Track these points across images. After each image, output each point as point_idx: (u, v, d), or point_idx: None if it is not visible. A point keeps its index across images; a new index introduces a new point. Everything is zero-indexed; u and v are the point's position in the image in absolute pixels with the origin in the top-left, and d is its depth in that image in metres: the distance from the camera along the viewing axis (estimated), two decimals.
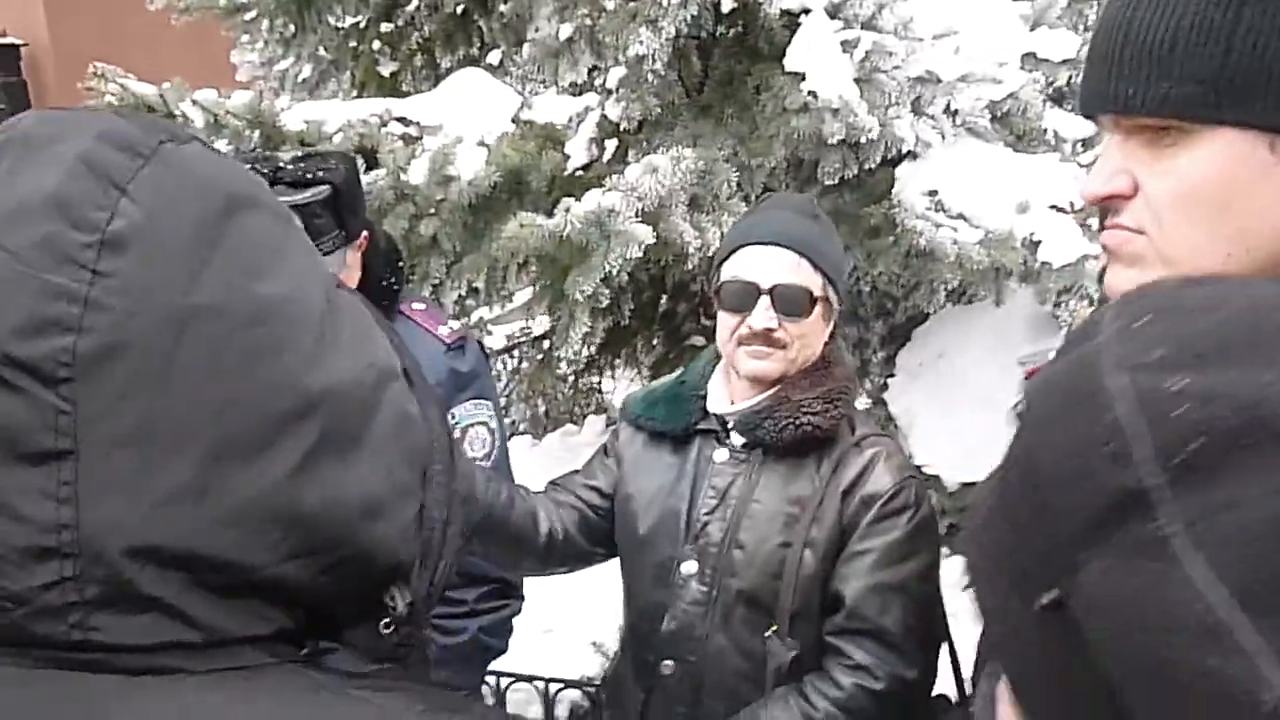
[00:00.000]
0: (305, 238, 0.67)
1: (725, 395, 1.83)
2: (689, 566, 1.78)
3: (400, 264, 2.17)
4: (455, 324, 2.11)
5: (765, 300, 1.69)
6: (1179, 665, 0.37)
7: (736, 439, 1.78)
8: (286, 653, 0.60)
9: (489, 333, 6.11)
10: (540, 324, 5.24)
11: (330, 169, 1.88)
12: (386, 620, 0.64)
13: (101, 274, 0.53)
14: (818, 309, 1.72)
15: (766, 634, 1.72)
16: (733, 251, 1.79)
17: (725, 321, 1.76)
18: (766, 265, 1.71)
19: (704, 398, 1.85)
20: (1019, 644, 0.47)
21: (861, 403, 4.01)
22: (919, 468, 3.74)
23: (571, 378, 4.60)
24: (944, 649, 1.82)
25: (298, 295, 0.60)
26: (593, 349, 3.94)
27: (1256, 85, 0.85)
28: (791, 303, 1.69)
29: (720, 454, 1.80)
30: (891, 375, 3.91)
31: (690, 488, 1.82)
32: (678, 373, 2.01)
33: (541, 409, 5.05)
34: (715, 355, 1.88)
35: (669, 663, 1.81)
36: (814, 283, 1.71)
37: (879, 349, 4.06)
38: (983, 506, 0.52)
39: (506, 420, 5.73)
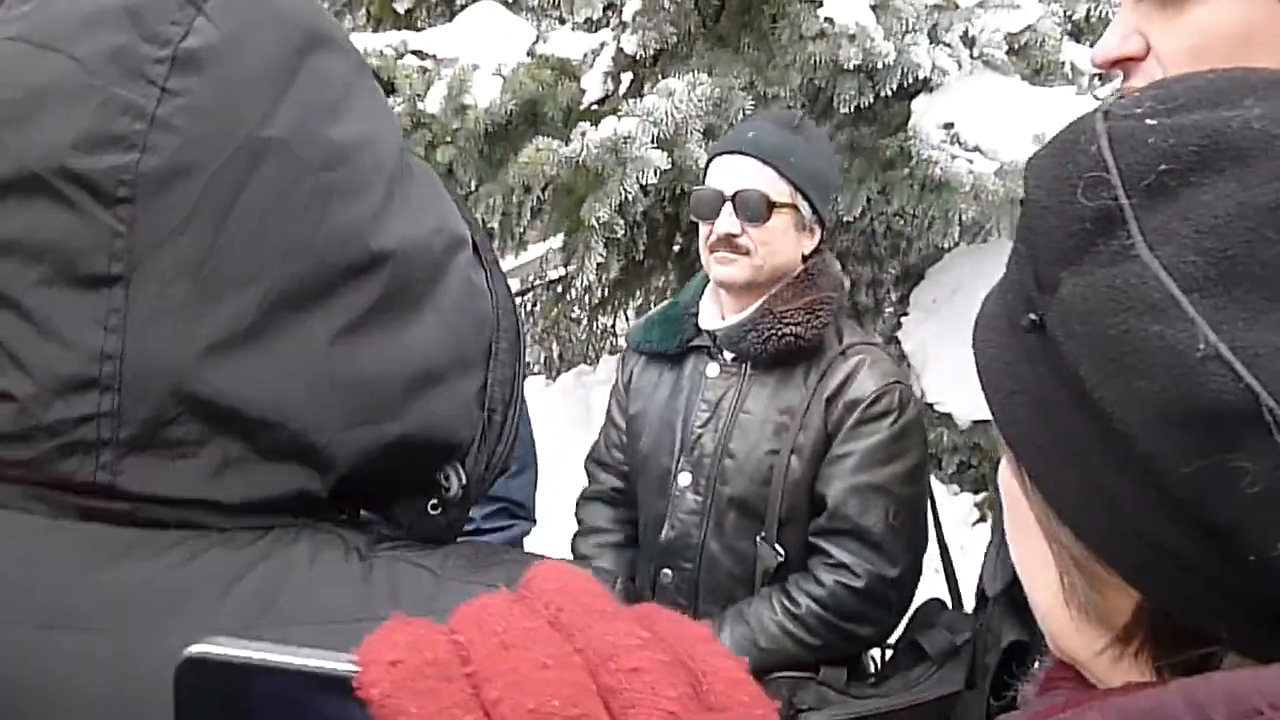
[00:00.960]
0: (380, 90, 0.62)
1: (716, 312, 1.86)
2: (684, 477, 1.84)
3: None
4: None
5: (729, 206, 1.73)
6: (1130, 334, 0.43)
7: (727, 353, 1.82)
8: (323, 514, 0.57)
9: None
10: (555, 271, 5.27)
11: None
12: (434, 502, 0.60)
13: (171, 91, 0.50)
14: (784, 216, 1.74)
15: (757, 539, 1.77)
16: (709, 164, 1.84)
17: (701, 231, 1.80)
18: (731, 172, 1.75)
19: (696, 316, 1.89)
20: (1008, 377, 0.51)
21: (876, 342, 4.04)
22: (930, 405, 3.78)
23: (585, 319, 4.63)
24: (939, 560, 1.86)
25: (372, 145, 0.57)
26: (607, 286, 3.96)
27: None
28: (751, 208, 1.72)
29: (712, 368, 1.85)
30: (905, 313, 3.93)
31: (685, 402, 1.87)
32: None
33: (556, 351, 5.08)
34: (708, 276, 1.91)
35: (667, 571, 1.87)
36: (777, 189, 1.73)
37: (894, 288, 4.07)
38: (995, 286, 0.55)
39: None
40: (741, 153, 1.76)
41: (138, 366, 0.50)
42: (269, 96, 0.52)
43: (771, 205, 1.72)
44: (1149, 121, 0.46)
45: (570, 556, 2.05)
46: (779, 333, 1.74)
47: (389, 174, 0.57)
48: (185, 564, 0.52)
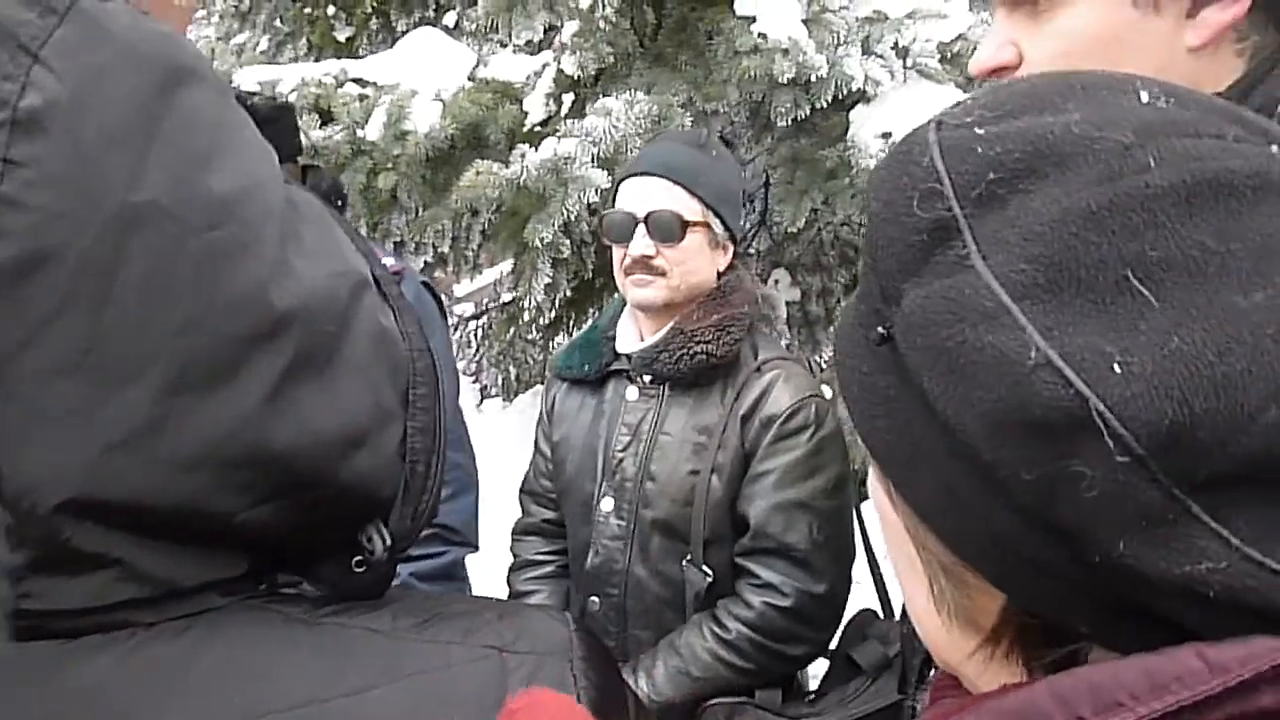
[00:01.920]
0: (249, 119, 0.55)
1: (635, 334, 1.86)
2: (607, 502, 1.83)
3: (342, 205, 2.17)
4: (392, 260, 2.10)
5: (642, 228, 1.73)
6: (966, 345, 0.43)
7: (645, 376, 1.82)
8: (245, 590, 0.53)
9: (458, 301, 6.12)
10: (509, 294, 5.26)
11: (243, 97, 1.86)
12: (359, 559, 0.56)
13: (15, 162, 0.43)
14: (697, 235, 1.74)
15: (683, 562, 1.76)
16: (618, 186, 1.84)
17: (615, 255, 1.79)
18: (642, 194, 1.75)
19: (614, 340, 1.88)
20: (864, 390, 0.52)
21: (827, 351, 4.07)
22: None
23: (540, 341, 4.63)
24: (868, 566, 1.86)
25: (256, 190, 0.50)
26: (560, 307, 3.96)
27: None
28: (664, 228, 1.72)
29: (631, 392, 1.84)
30: None
31: (606, 427, 1.86)
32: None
33: (513, 374, 5.08)
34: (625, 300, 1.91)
35: (595, 598, 1.85)
36: (689, 208, 1.73)
37: (843, 297, 4.11)
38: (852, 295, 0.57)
39: (477, 385, 5.79)
40: (651, 174, 1.76)
41: (21, 483, 0.45)
42: (133, 153, 0.46)
43: (685, 224, 1.72)
44: (977, 130, 0.47)
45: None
46: (690, 352, 1.73)
47: (279, 219, 0.51)
48: (121, 670, 0.47)
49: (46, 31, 0.45)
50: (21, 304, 0.44)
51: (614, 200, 1.84)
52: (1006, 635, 0.50)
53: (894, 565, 0.58)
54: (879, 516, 0.57)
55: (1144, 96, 0.47)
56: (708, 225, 1.76)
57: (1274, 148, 0.45)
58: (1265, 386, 0.40)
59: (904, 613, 1.39)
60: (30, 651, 0.47)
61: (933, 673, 0.65)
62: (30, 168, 0.43)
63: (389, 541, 0.56)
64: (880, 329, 0.49)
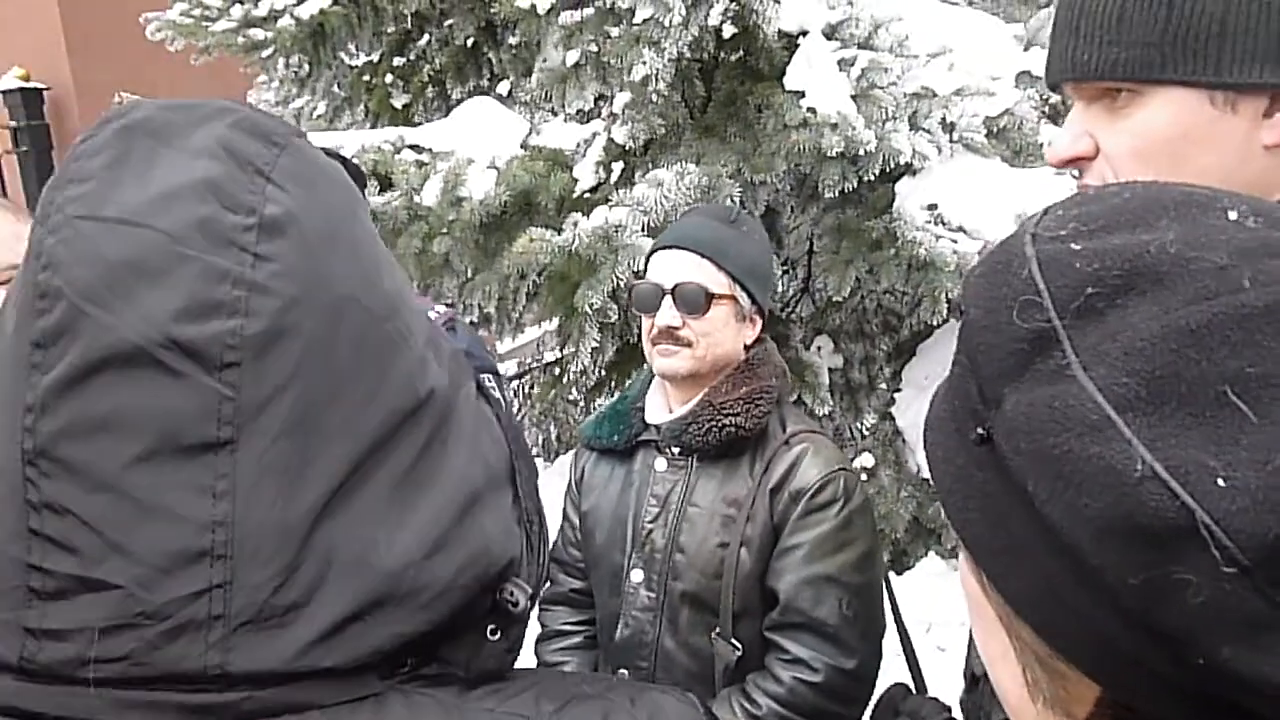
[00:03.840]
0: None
1: (663, 405, 1.88)
2: (636, 574, 1.83)
3: None
4: (441, 307, 2.16)
5: (669, 300, 1.76)
6: (1072, 454, 0.45)
7: (674, 447, 1.83)
8: (388, 674, 0.57)
9: (501, 359, 6.18)
10: (551, 353, 5.32)
11: None
12: (493, 627, 0.60)
13: (263, 257, 0.52)
14: (723, 307, 1.77)
15: (712, 635, 1.75)
16: (649, 259, 1.88)
17: (644, 325, 1.83)
18: (670, 266, 1.79)
19: (643, 411, 1.90)
20: (961, 484, 0.54)
21: (869, 418, 4.07)
22: (926, 480, 3.79)
23: (582, 401, 4.66)
24: (899, 640, 1.84)
25: (405, 292, 0.60)
26: (602, 369, 4.00)
27: (1196, 46, 0.92)
28: (691, 300, 1.75)
29: (660, 463, 1.86)
30: (899, 390, 3.97)
31: (635, 497, 1.87)
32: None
33: (554, 433, 5.11)
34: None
35: (624, 670, 1.84)
36: (715, 281, 1.76)
37: (885, 365, 4.12)
38: (942, 385, 0.59)
39: None
40: (680, 247, 1.80)
41: (248, 531, 0.50)
42: (340, 255, 0.55)
43: (710, 297, 1.75)
44: (1073, 246, 0.49)
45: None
46: (719, 424, 1.75)
47: (418, 318, 0.61)
48: None
49: (275, 159, 0.55)
50: (265, 371, 0.51)
51: (644, 271, 1.88)
52: None
53: (983, 651, 0.59)
54: (969, 602, 0.59)
55: (1233, 215, 0.49)
56: (734, 298, 1.79)
57: None
58: None
59: (969, 685, 1.38)
60: None
61: None
62: (275, 262, 0.52)
63: (529, 592, 0.61)
64: (980, 430, 0.51)
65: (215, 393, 0.50)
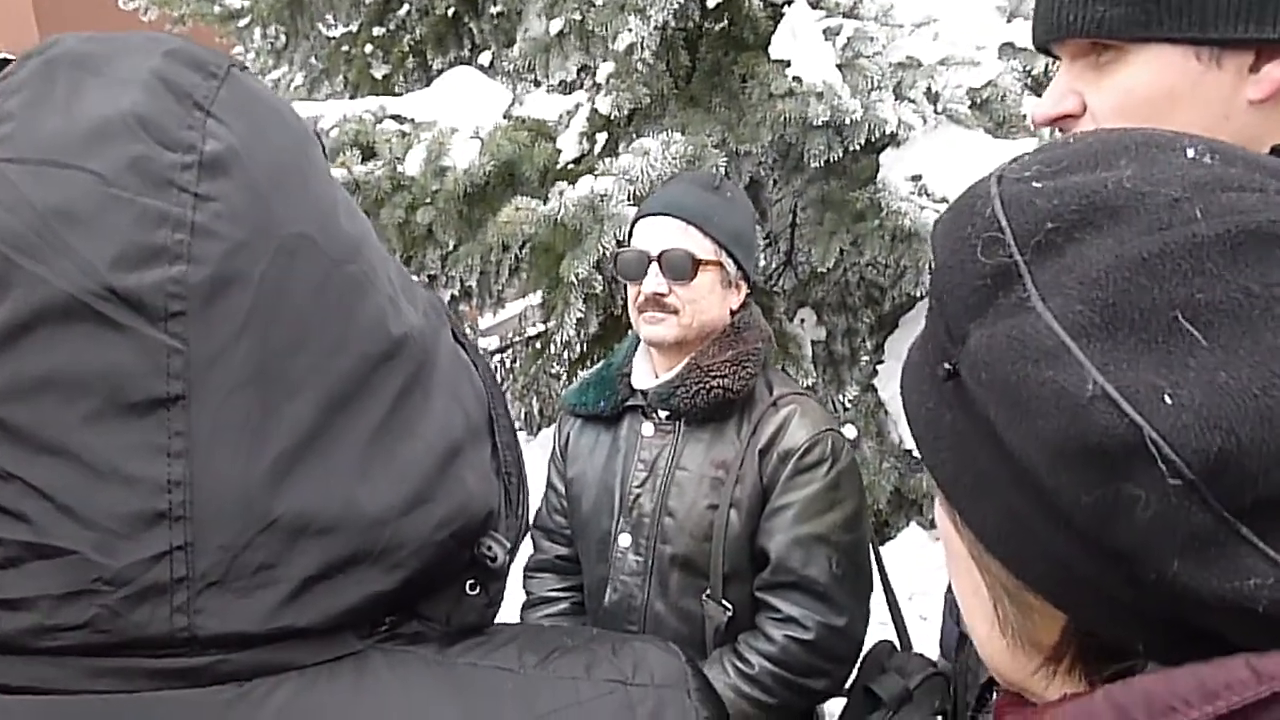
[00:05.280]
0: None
1: (649, 371, 1.88)
2: (625, 539, 1.83)
3: None
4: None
5: (655, 266, 1.76)
6: (1028, 380, 0.47)
7: (660, 411, 1.83)
8: (367, 632, 0.54)
9: (482, 334, 6.16)
10: (534, 328, 5.31)
11: None
12: (471, 581, 0.58)
13: (205, 197, 0.48)
14: (709, 273, 1.77)
15: (703, 596, 1.76)
16: (634, 225, 1.86)
17: (630, 292, 1.82)
18: (656, 233, 1.78)
19: (630, 376, 1.90)
20: (932, 423, 0.56)
21: (852, 390, 4.09)
22: (909, 452, 3.83)
23: (565, 375, 4.66)
24: (884, 600, 1.86)
25: (368, 234, 0.57)
26: (586, 342, 4.00)
27: (1180, 3, 0.92)
28: (677, 267, 1.74)
29: (647, 428, 1.86)
30: (881, 362, 3.99)
31: (622, 463, 1.87)
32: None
33: (536, 407, 5.10)
34: (639, 337, 1.93)
35: None
36: (701, 248, 1.76)
37: (868, 337, 4.14)
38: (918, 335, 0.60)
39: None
40: (665, 214, 1.79)
41: (208, 490, 0.47)
42: (290, 194, 0.51)
43: (697, 263, 1.75)
44: (1035, 184, 0.51)
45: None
46: (706, 386, 1.75)
47: (384, 260, 0.57)
48: (285, 715, 0.49)
49: (214, 91, 0.51)
50: (214, 321, 0.48)
51: (629, 239, 1.87)
52: (1068, 653, 0.53)
53: (957, 591, 0.61)
54: (944, 544, 0.60)
55: (1191, 154, 0.51)
56: (720, 264, 1.79)
57: None
58: None
59: (959, 644, 1.40)
60: (199, 701, 0.48)
61: (993, 697, 0.68)
62: (217, 201, 0.48)
63: (507, 547, 0.59)
64: (946, 365, 0.53)
65: (161, 345, 0.46)
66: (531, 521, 2.08)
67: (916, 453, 0.59)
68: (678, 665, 0.61)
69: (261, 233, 0.49)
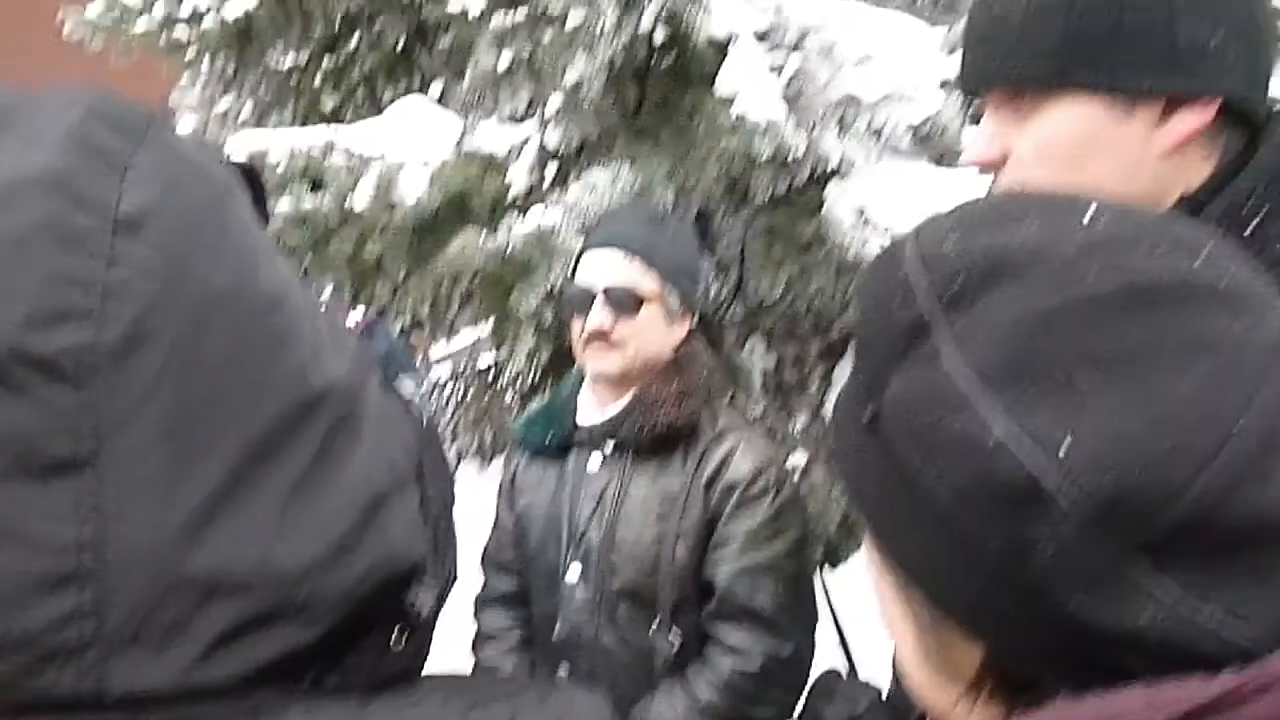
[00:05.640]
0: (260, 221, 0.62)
1: (595, 405, 1.90)
2: (573, 572, 1.85)
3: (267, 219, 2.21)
4: (357, 312, 2.15)
5: (599, 301, 1.78)
6: (938, 428, 0.51)
7: (607, 445, 1.85)
8: (288, 687, 0.54)
9: (434, 363, 6.14)
10: (486, 357, 5.30)
11: None
12: (398, 634, 0.57)
13: (117, 258, 0.48)
14: (652, 307, 1.80)
15: (651, 628, 1.78)
16: (578, 258, 1.89)
17: (574, 326, 1.84)
18: (600, 268, 1.81)
19: (575, 411, 1.92)
20: (857, 463, 0.59)
21: (801, 418, 4.13)
22: None
23: (517, 404, 4.65)
24: (833, 628, 1.89)
25: (290, 286, 0.56)
26: (538, 372, 4.00)
27: (1090, 56, 0.97)
28: (621, 302, 1.77)
29: (594, 461, 1.87)
30: (830, 390, 4.03)
31: (570, 497, 1.89)
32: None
33: (488, 438, 5.09)
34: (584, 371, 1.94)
35: (563, 668, 1.86)
36: (644, 282, 1.79)
37: (816, 365, 4.18)
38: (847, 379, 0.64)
39: (453, 448, 5.81)
40: (610, 245, 1.81)
41: (118, 551, 0.47)
42: (206, 251, 0.51)
43: (640, 299, 1.78)
44: (948, 243, 0.55)
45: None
46: (652, 420, 1.78)
47: (309, 310, 0.57)
48: None
49: (130, 150, 0.51)
50: (125, 382, 0.47)
51: (574, 272, 1.88)
52: (986, 684, 0.56)
53: (885, 621, 0.64)
54: (872, 575, 0.64)
55: (1088, 216, 0.55)
56: (664, 298, 1.81)
57: (1198, 259, 0.52)
58: (1190, 464, 0.46)
59: (896, 681, 1.43)
60: None
61: None
62: (130, 261, 0.48)
63: (433, 598, 0.58)
64: (869, 411, 0.56)
65: (70, 408, 0.46)
66: (481, 556, 2.09)
67: (844, 487, 0.63)
68: (604, 714, 0.61)
69: (175, 291, 0.49)
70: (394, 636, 0.57)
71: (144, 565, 0.47)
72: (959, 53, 1.13)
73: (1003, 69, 1.03)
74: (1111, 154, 1.00)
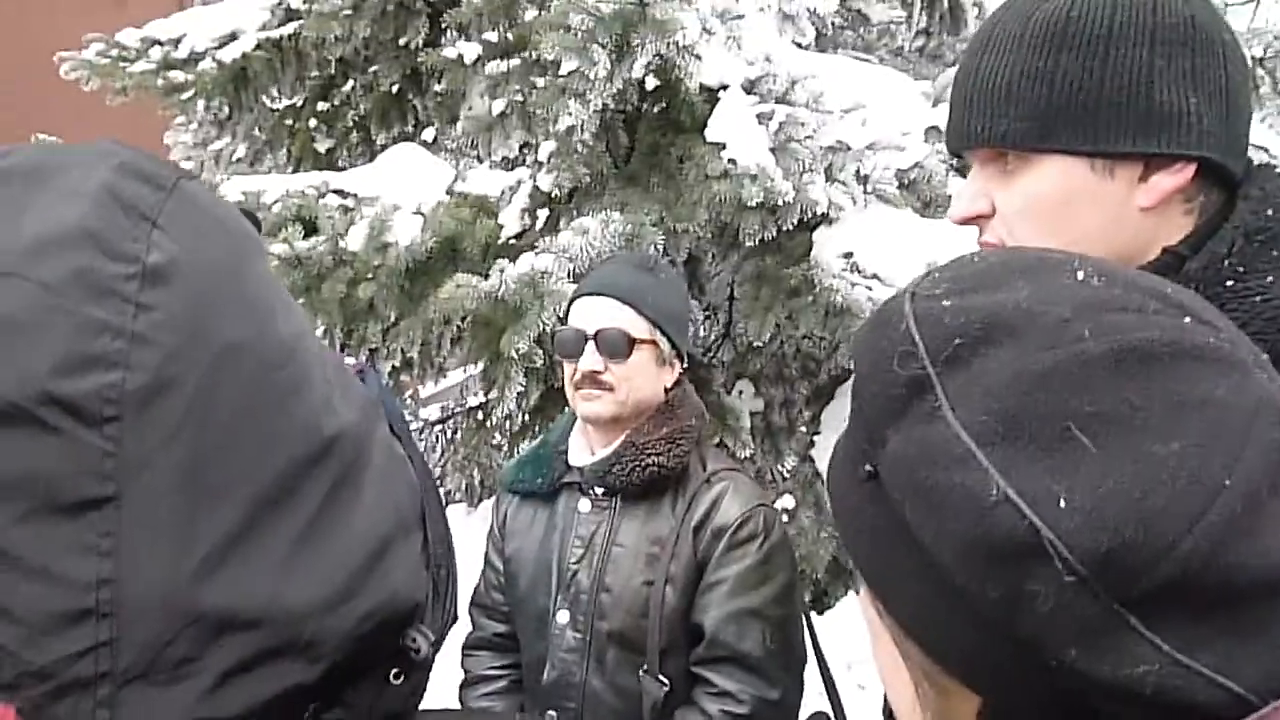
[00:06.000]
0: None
1: (585, 448, 1.93)
2: (562, 616, 1.86)
3: None
4: (350, 360, 2.17)
5: (591, 345, 1.82)
6: (939, 484, 0.52)
7: (597, 488, 1.87)
8: None
9: (424, 404, 6.13)
10: (475, 398, 5.30)
11: None
12: (396, 671, 0.60)
13: (145, 307, 0.50)
14: (644, 352, 1.83)
15: (640, 672, 1.79)
16: (570, 305, 1.93)
17: (566, 370, 1.88)
18: (592, 312, 1.85)
19: (566, 454, 1.94)
20: (854, 518, 0.61)
21: (789, 460, 4.15)
22: None
23: (506, 446, 4.65)
24: (819, 672, 1.90)
25: (304, 336, 0.59)
26: (527, 414, 4.01)
27: (1073, 120, 1.01)
28: (613, 345, 1.81)
29: (584, 504, 1.90)
30: (818, 433, 4.06)
31: (559, 540, 1.91)
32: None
33: (477, 478, 5.07)
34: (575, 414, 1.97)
35: (552, 713, 1.87)
36: (636, 327, 1.82)
37: (805, 408, 4.21)
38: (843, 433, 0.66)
39: (441, 490, 5.79)
40: (601, 294, 1.85)
41: (134, 589, 0.49)
42: (230, 302, 0.54)
43: (632, 342, 1.81)
44: (944, 303, 0.57)
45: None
46: (642, 464, 1.80)
47: (321, 360, 0.60)
48: None
49: (160, 203, 0.54)
50: (147, 425, 0.50)
51: (567, 317, 1.92)
52: None
53: (881, 670, 0.66)
54: (868, 626, 0.65)
55: (1080, 275, 0.57)
56: (655, 343, 1.85)
57: (1187, 319, 0.55)
58: (1181, 521, 0.48)
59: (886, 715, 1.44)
60: None
61: None
62: (156, 311, 0.51)
63: (431, 640, 0.61)
64: (868, 467, 0.58)
65: (96, 449, 0.48)
66: (470, 599, 2.09)
67: (841, 540, 0.64)
68: None
69: (198, 341, 0.51)
70: (393, 673, 0.60)
71: (159, 602, 0.50)
72: (944, 105, 1.16)
73: (988, 130, 1.06)
74: (1094, 211, 1.04)
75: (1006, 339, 0.54)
